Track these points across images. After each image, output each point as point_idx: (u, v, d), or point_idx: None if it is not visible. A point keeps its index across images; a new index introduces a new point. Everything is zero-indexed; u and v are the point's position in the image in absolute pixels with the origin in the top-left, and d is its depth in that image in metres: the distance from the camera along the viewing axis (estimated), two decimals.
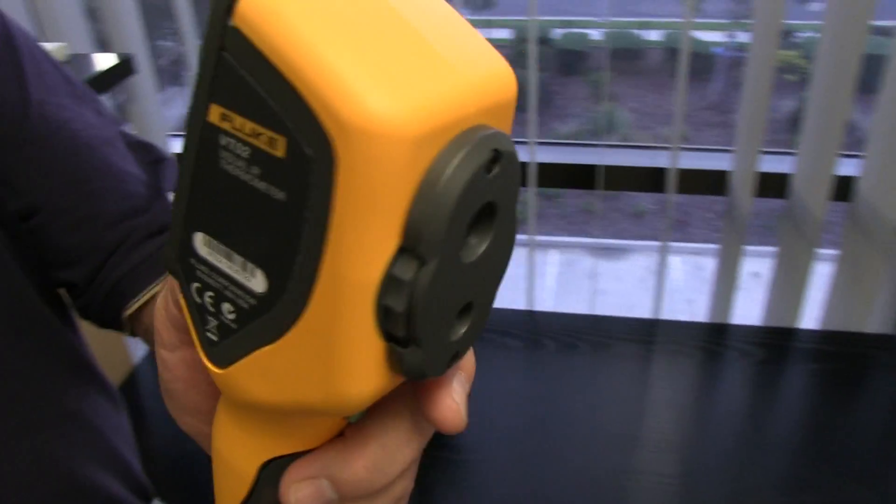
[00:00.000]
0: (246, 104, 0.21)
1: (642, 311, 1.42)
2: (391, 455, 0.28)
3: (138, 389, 1.15)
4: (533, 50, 1.24)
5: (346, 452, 0.28)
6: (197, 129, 0.22)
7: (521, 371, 1.15)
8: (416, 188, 0.21)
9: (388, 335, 0.23)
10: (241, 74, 0.21)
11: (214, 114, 0.22)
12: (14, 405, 0.51)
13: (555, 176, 1.38)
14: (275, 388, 0.24)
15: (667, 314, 1.35)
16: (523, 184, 1.37)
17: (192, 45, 1.39)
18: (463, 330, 0.25)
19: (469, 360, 0.28)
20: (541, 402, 1.08)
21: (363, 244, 0.21)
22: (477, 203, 0.22)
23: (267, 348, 0.24)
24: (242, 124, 0.21)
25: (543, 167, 1.35)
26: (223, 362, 0.25)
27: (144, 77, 1.42)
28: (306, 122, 0.20)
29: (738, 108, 1.22)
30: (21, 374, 0.52)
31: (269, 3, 0.20)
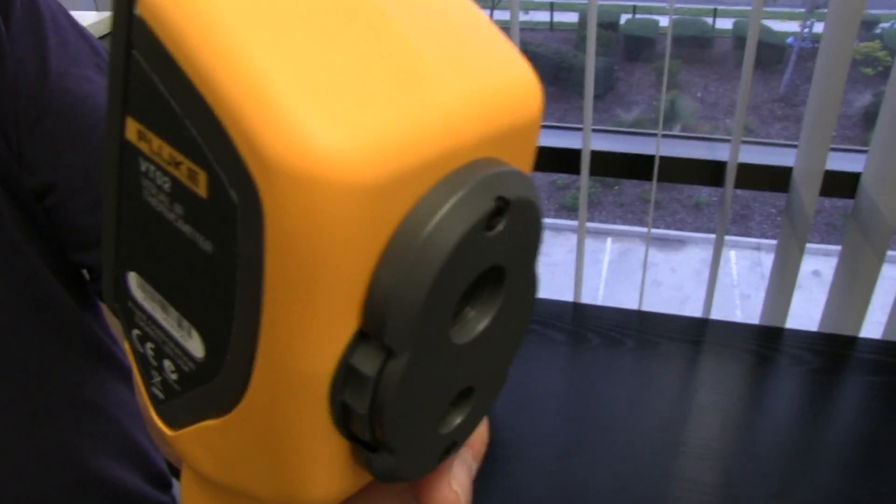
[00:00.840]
0: (161, 121, 0.15)
1: (695, 303, 1.37)
2: None
3: None
4: (592, 33, 1.19)
5: None
6: (115, 147, 0.17)
7: (562, 366, 1.11)
8: (380, 252, 0.15)
9: (350, 435, 0.18)
10: (153, 81, 0.15)
11: (131, 130, 0.16)
12: (27, 392, 0.49)
13: (611, 164, 1.33)
14: (223, 467, 0.20)
15: (720, 309, 1.30)
16: (575, 170, 1.33)
17: None
18: (459, 420, 0.20)
19: (478, 432, 0.23)
20: (581, 399, 1.05)
21: (305, 325, 0.15)
22: (473, 270, 0.16)
23: (212, 422, 0.19)
24: (160, 147, 0.16)
25: (598, 155, 1.31)
26: (172, 423, 0.21)
27: None
28: (226, 155, 0.14)
29: (806, 101, 1.15)
30: (35, 360, 0.50)
31: None
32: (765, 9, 1.10)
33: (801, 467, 0.93)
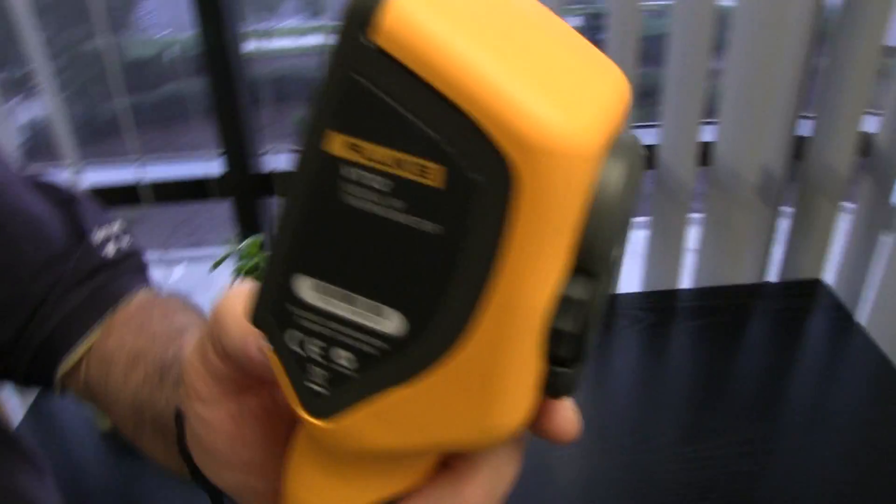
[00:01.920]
0: (384, 131, 0.19)
1: None
2: (502, 476, 0.26)
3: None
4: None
5: (458, 483, 0.26)
6: (313, 162, 0.20)
7: None
8: (587, 204, 0.19)
9: (553, 357, 0.21)
10: (380, 98, 0.18)
11: (336, 144, 0.19)
12: None
13: None
14: (403, 431, 0.23)
15: None
16: None
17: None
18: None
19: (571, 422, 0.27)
20: None
21: (537, 268, 0.19)
22: (634, 208, 0.21)
23: (396, 392, 0.22)
24: (377, 153, 0.19)
25: None
26: (329, 413, 0.23)
27: None
28: (475, 147, 0.18)
29: None
30: None
31: (418, 18, 0.18)
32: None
33: (652, 410, 1.04)
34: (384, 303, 0.21)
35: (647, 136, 1.31)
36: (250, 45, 1.27)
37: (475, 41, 0.18)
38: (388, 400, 0.22)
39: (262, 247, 1.11)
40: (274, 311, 0.23)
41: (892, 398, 1.06)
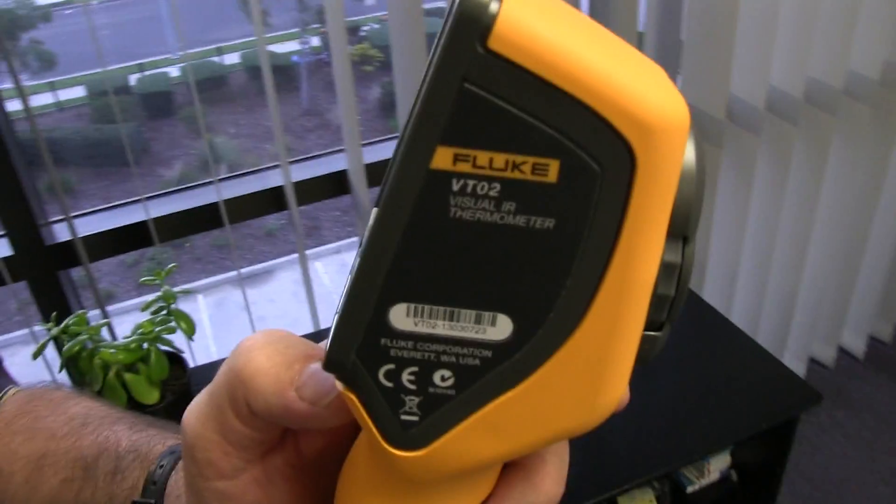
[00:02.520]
0: (499, 137, 0.19)
1: (305, 321, 1.43)
2: (564, 459, 0.27)
3: None
4: (115, 101, 1.17)
5: (533, 478, 0.26)
6: (415, 182, 0.20)
7: None
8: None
9: (650, 324, 0.22)
10: (494, 104, 0.19)
11: (443, 158, 0.19)
12: None
13: (178, 225, 1.33)
14: (509, 437, 0.23)
15: (328, 315, 1.37)
16: (146, 242, 1.30)
17: None
18: None
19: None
20: None
21: (651, 242, 0.20)
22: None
23: (502, 399, 0.22)
24: (489, 160, 0.19)
25: (161, 221, 1.29)
26: (423, 441, 0.23)
27: None
28: (595, 136, 0.19)
29: (330, 109, 1.26)
30: None
31: (527, 21, 0.18)
32: (266, 35, 1.18)
33: None
34: (492, 310, 0.21)
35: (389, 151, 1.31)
36: (11, 105, 1.14)
37: (575, 39, 0.19)
38: (492, 409, 0.22)
39: (87, 322, 1.04)
40: (363, 350, 0.22)
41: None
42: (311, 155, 1.43)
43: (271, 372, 0.26)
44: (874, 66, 1.64)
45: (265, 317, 5.72)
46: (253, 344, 0.27)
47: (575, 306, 0.21)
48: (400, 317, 0.22)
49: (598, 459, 1.15)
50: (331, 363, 0.23)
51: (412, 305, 0.21)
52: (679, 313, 0.23)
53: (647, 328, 0.22)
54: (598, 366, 0.22)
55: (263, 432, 0.27)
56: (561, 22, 0.20)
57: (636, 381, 0.24)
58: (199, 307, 6.15)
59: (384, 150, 1.40)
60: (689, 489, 1.39)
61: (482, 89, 0.19)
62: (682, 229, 0.22)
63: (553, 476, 0.27)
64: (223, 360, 0.27)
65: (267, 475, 0.28)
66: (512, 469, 0.27)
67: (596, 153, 0.19)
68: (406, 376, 0.22)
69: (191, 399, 0.29)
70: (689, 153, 0.21)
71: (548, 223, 0.20)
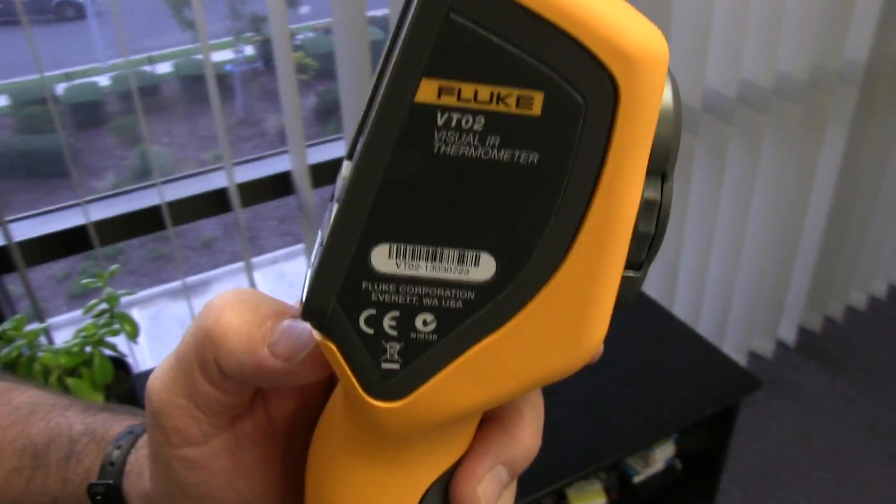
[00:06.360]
0: (483, 67, 0.19)
1: None
2: (539, 409, 0.27)
3: None
4: (55, 111, 1.14)
5: (509, 431, 0.26)
6: (399, 116, 0.19)
7: None
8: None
9: (629, 264, 0.22)
10: (479, 34, 0.19)
11: (427, 91, 0.19)
12: None
13: (118, 229, 1.30)
14: (493, 381, 0.22)
15: None
16: (77, 249, 1.27)
17: None
18: None
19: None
20: None
21: (633, 176, 0.20)
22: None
23: (485, 342, 0.21)
24: (475, 92, 0.19)
25: (102, 225, 1.26)
26: (404, 390, 0.22)
27: None
28: (579, 67, 0.19)
29: (266, 118, 1.26)
30: None
31: None
32: (197, 45, 1.17)
33: None
34: (475, 248, 0.21)
35: (338, 150, 1.31)
36: None
37: None
38: (475, 354, 0.22)
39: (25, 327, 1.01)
40: (343, 295, 0.21)
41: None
42: (253, 157, 1.42)
43: (242, 329, 0.25)
44: (803, 68, 1.70)
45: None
46: (222, 302, 0.26)
47: (559, 243, 0.21)
48: (382, 259, 0.21)
49: (545, 451, 1.15)
50: (310, 310, 0.22)
51: (394, 246, 0.21)
52: (656, 254, 0.23)
53: (626, 268, 0.22)
54: (581, 305, 0.21)
55: (234, 395, 0.26)
56: None
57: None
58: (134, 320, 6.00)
59: (328, 151, 1.39)
60: (636, 479, 1.42)
61: (468, 20, 0.19)
62: (661, 165, 0.22)
63: (531, 427, 0.26)
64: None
65: (237, 441, 0.27)
66: (489, 423, 0.26)
67: (580, 85, 0.19)
68: (387, 321, 0.22)
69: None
70: (667, 90, 0.21)
71: (532, 157, 0.20)
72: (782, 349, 2.24)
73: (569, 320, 0.21)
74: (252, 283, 1.43)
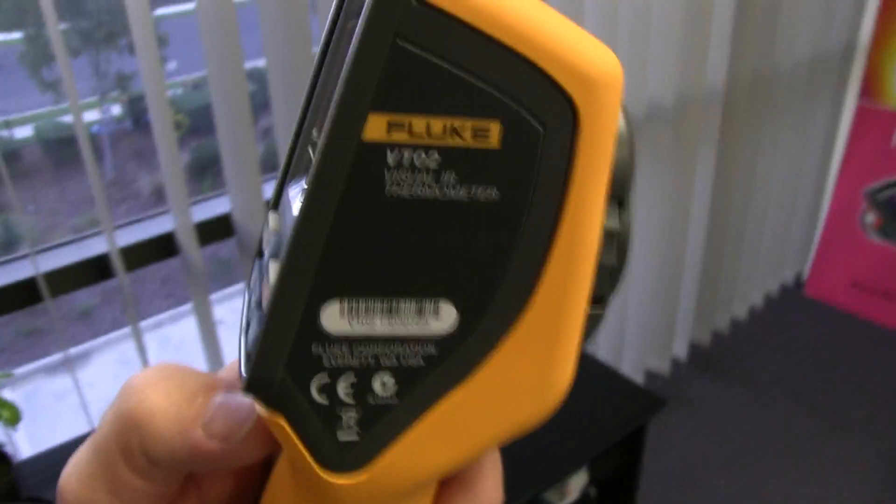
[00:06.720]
0: (435, 98, 0.17)
1: None
2: (498, 463, 0.25)
3: None
4: None
5: (472, 488, 0.24)
6: (346, 158, 0.18)
7: None
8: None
9: (592, 298, 0.21)
10: (430, 62, 0.17)
11: (376, 127, 0.17)
12: None
13: None
14: (460, 441, 0.20)
15: None
16: None
17: None
18: None
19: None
20: None
21: (594, 206, 0.19)
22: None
23: (450, 397, 0.20)
24: (426, 126, 0.18)
25: None
26: (364, 461, 0.20)
27: None
28: (537, 92, 0.18)
29: (139, 178, 1.21)
30: None
31: None
32: (57, 106, 1.11)
33: None
34: (435, 296, 0.19)
35: (220, 206, 1.28)
36: None
37: (522, 2, 0.18)
38: (439, 412, 0.20)
39: None
40: (292, 362, 0.19)
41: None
42: (132, 219, 1.36)
43: (171, 410, 0.22)
44: (668, 94, 1.77)
45: (91, 401, 5.36)
46: (143, 381, 0.23)
47: (522, 282, 0.19)
48: (333, 318, 0.19)
49: None
50: (255, 383, 0.20)
51: (346, 302, 0.19)
52: (618, 286, 0.22)
53: (590, 303, 0.21)
54: (549, 347, 0.20)
55: (163, 484, 0.23)
56: None
57: None
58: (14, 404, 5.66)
59: (210, 209, 1.35)
60: None
61: (416, 46, 0.17)
62: (619, 192, 0.21)
63: (493, 480, 0.25)
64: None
65: None
66: (449, 483, 0.24)
67: (538, 111, 0.18)
68: (342, 388, 0.20)
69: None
70: (625, 113, 0.21)
71: (491, 193, 0.18)
72: (676, 366, 2.31)
73: (536, 365, 0.20)
74: (141, 350, 1.37)
